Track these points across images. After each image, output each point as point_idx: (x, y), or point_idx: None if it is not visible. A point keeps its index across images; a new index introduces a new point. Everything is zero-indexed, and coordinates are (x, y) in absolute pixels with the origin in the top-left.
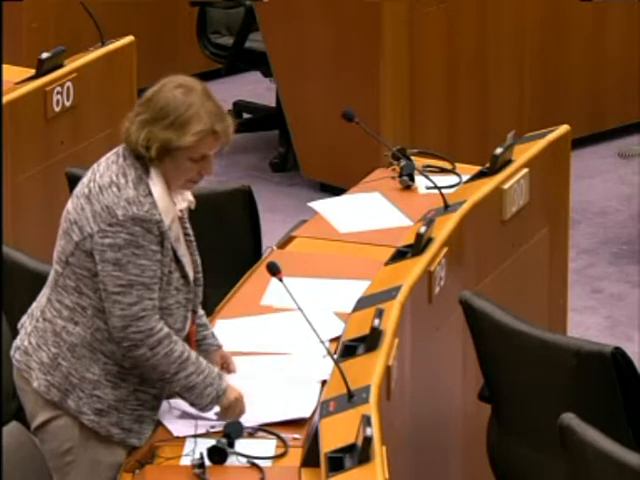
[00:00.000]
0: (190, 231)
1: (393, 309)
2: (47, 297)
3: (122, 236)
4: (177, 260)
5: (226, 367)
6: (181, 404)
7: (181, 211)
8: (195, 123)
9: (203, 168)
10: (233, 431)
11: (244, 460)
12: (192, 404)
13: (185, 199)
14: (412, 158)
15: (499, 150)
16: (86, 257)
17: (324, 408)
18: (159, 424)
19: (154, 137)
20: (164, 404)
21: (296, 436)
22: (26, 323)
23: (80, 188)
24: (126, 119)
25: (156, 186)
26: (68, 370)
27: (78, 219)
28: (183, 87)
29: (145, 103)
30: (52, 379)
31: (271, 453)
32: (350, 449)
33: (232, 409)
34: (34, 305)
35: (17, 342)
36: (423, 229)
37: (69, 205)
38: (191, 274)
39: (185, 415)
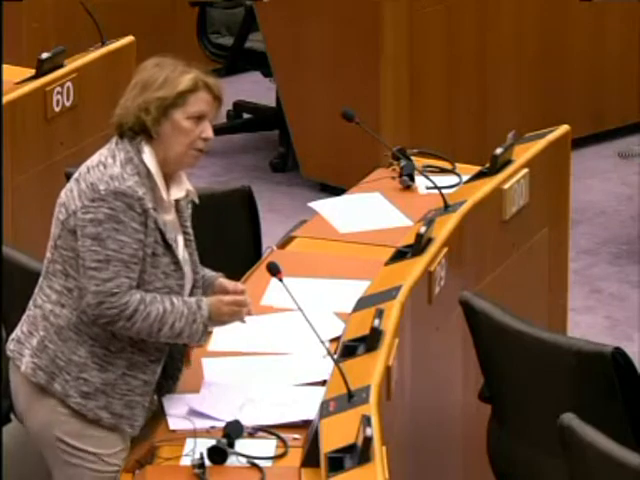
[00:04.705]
0: (190, 230)
1: (393, 309)
2: (39, 286)
3: (103, 210)
4: (166, 244)
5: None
6: (186, 401)
7: (177, 201)
8: (186, 75)
9: (202, 131)
10: (233, 431)
11: (244, 460)
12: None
13: (182, 188)
14: (412, 158)
15: (499, 150)
16: (71, 236)
17: (324, 408)
18: (160, 417)
19: (150, 99)
20: (169, 397)
21: (296, 436)
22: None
23: (73, 175)
24: (117, 108)
25: (150, 159)
26: (55, 353)
27: (66, 200)
28: (159, 63)
29: (131, 87)
30: (39, 361)
31: (271, 453)
32: (350, 449)
33: (230, 317)
34: None
35: (12, 335)
36: (423, 229)
37: (62, 192)
38: (189, 272)
39: (187, 412)
